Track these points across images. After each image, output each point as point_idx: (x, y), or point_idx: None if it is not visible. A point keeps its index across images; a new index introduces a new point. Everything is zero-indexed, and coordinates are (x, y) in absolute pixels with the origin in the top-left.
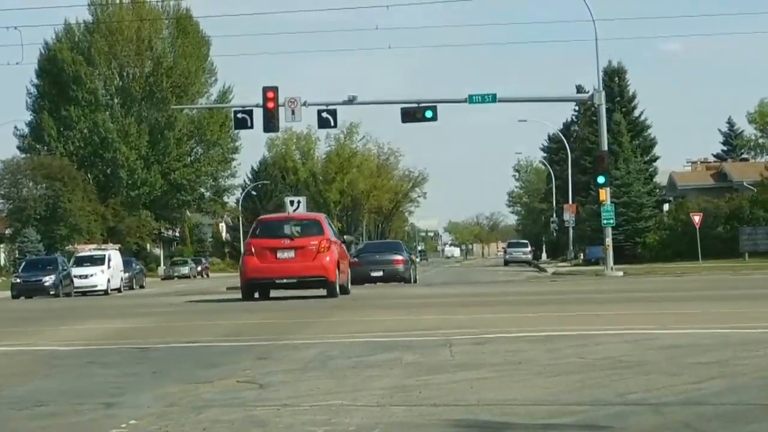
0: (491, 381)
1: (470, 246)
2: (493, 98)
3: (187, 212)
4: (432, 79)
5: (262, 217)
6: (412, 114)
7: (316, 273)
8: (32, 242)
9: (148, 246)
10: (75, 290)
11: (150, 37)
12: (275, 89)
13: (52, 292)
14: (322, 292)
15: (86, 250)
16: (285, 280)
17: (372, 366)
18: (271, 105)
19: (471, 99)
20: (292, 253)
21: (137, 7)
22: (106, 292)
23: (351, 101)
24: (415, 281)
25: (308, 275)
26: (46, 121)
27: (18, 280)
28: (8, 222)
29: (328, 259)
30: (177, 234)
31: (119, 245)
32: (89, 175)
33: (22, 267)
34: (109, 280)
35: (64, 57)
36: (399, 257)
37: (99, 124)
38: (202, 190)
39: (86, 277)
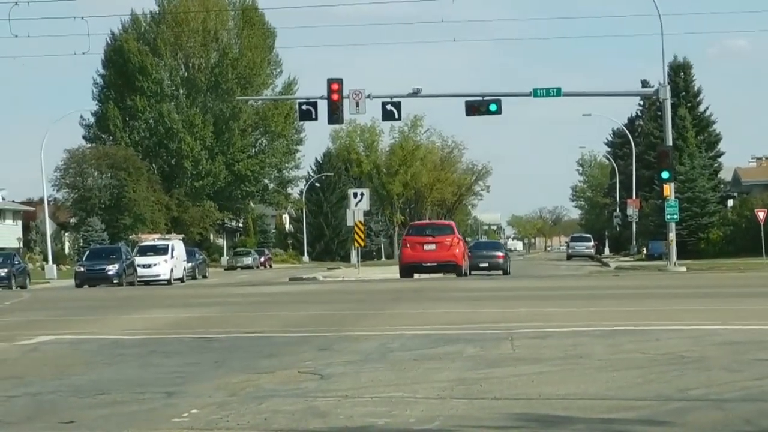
0: (552, 375)
1: (533, 240)
2: (558, 92)
3: (251, 203)
4: (496, 73)
5: (413, 223)
6: (477, 107)
7: (450, 260)
8: (96, 231)
9: (212, 236)
10: (138, 279)
11: (216, 28)
12: (340, 81)
13: (115, 281)
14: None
15: (150, 239)
16: (428, 264)
17: (433, 358)
18: (335, 97)
19: (536, 93)
20: (433, 246)
21: None
22: (168, 282)
23: (415, 94)
24: (509, 272)
25: (444, 261)
26: (112, 111)
27: (82, 269)
28: (73, 211)
29: (457, 251)
30: (240, 225)
31: (182, 235)
32: (154, 165)
33: (86, 256)
34: (172, 270)
35: (130, 47)
36: (500, 253)
37: (164, 115)
38: (266, 181)
39: (149, 266)
